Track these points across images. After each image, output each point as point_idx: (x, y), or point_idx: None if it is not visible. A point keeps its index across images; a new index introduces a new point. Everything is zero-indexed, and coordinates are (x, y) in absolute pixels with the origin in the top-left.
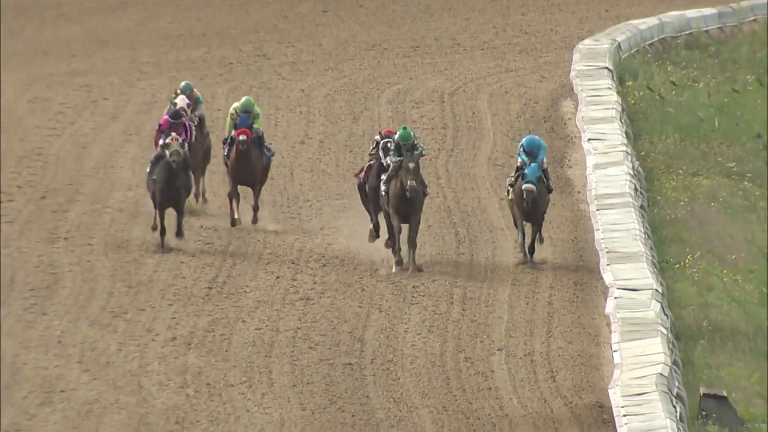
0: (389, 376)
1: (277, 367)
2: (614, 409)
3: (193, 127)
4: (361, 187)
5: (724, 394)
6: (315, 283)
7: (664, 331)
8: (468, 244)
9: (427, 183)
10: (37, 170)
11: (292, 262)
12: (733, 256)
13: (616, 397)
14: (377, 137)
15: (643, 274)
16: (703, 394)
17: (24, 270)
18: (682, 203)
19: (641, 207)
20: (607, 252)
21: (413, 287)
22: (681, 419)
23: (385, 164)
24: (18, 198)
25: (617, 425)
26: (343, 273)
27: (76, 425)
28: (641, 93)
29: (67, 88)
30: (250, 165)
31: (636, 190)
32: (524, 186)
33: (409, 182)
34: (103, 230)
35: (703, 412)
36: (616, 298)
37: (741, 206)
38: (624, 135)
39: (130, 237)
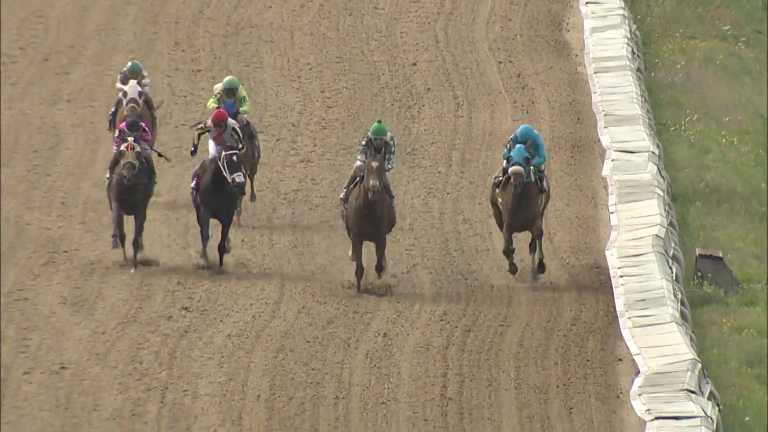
0: (388, 237)
1: (278, 228)
2: (611, 270)
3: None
4: (195, 190)
5: (720, 254)
6: (315, 145)
7: (661, 193)
8: (466, 106)
9: (394, 195)
10: (39, 32)
11: (293, 125)
12: (729, 119)
13: (612, 258)
14: (208, 122)
15: (640, 137)
16: (699, 255)
17: (27, 131)
18: (678, 66)
19: (638, 70)
20: (605, 115)
21: (412, 149)
22: (677, 280)
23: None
24: (20, 60)
25: (614, 286)
26: (343, 135)
27: (79, 285)
28: None
29: None
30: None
31: (633, 53)
32: (511, 168)
33: (371, 182)
34: (105, 92)
35: (699, 273)
36: (613, 160)
37: (737, 69)
38: None
39: None
